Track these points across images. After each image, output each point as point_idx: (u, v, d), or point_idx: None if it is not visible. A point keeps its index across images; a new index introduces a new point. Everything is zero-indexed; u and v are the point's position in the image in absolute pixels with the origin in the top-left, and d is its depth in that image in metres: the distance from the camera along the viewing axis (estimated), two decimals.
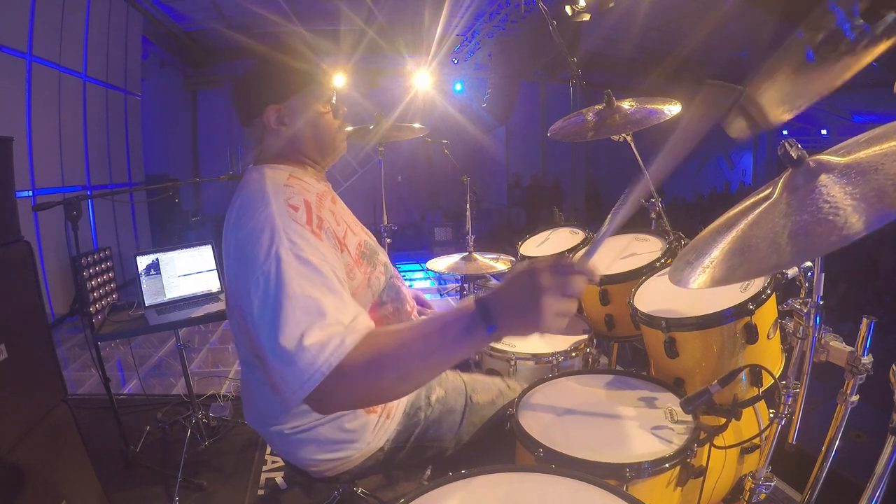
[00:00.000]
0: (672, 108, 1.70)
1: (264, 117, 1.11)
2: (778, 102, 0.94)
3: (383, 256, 1.20)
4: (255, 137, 1.16)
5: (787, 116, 0.94)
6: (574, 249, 2.00)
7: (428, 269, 2.28)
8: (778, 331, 1.32)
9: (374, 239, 1.25)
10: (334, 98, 1.17)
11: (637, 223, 2.04)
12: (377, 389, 0.85)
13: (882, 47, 0.76)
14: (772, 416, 1.24)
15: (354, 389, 0.83)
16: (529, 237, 2.38)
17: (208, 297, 2.34)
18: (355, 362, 0.82)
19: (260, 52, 1.19)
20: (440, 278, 5.43)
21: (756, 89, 0.93)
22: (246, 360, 1.14)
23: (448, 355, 0.84)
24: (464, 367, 1.58)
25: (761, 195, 0.89)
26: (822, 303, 1.07)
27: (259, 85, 1.13)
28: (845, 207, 0.67)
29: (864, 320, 1.02)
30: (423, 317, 1.04)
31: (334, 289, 0.90)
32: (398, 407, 1.18)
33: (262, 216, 0.95)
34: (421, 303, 1.47)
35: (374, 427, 1.14)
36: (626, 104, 1.80)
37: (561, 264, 0.80)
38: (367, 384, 0.83)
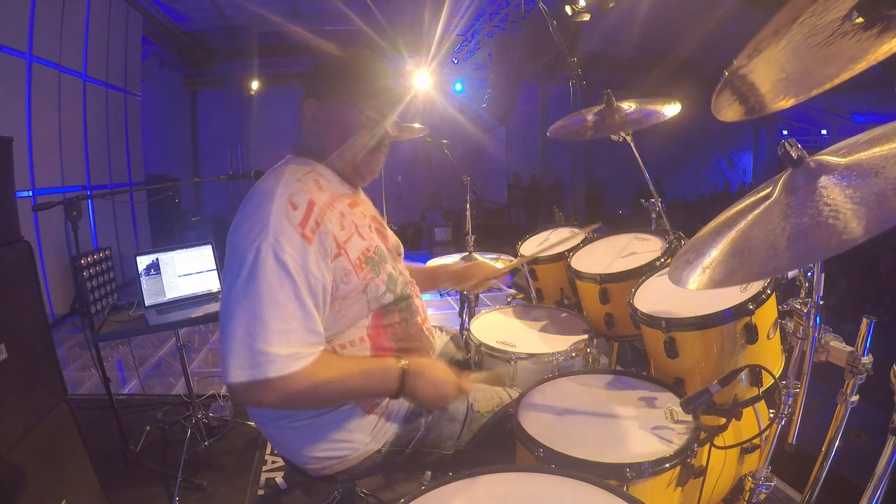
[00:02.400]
0: (672, 108, 1.70)
1: (303, 109, 1.15)
2: (776, 85, 0.92)
3: (392, 266, 1.18)
4: (298, 124, 1.19)
5: (786, 103, 0.92)
6: (574, 249, 2.00)
7: None
8: (778, 331, 1.32)
9: (397, 249, 1.27)
10: (376, 115, 1.13)
11: (637, 223, 2.04)
12: (296, 404, 1.03)
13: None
14: (772, 416, 1.24)
15: (276, 399, 0.95)
16: (529, 237, 2.38)
17: (208, 297, 2.34)
18: (293, 382, 0.93)
19: (327, 48, 1.25)
20: None
21: (747, 65, 0.90)
22: None
23: (358, 399, 1.11)
24: (464, 367, 1.58)
25: (761, 194, 0.89)
26: (822, 303, 1.07)
27: (314, 75, 1.15)
28: (845, 211, 0.67)
29: (864, 320, 1.02)
30: (354, 360, 1.09)
31: (300, 297, 0.96)
32: (399, 410, 1.18)
33: (261, 210, 0.99)
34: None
35: (373, 428, 1.14)
36: (626, 104, 1.80)
37: (464, 388, 1.11)
38: (291, 400, 0.97)
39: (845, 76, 0.84)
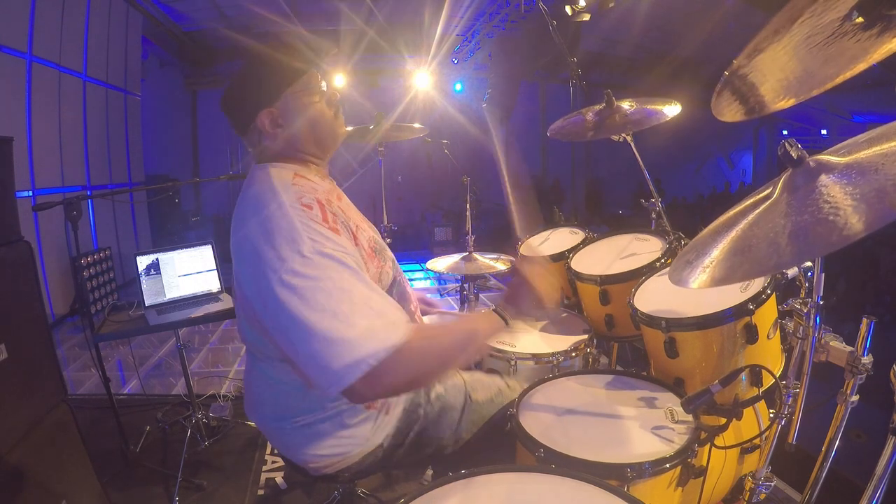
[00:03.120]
0: (672, 109, 1.70)
1: (258, 123, 1.10)
2: (776, 85, 0.92)
3: (390, 253, 1.21)
4: (253, 144, 1.15)
5: (787, 103, 0.92)
6: (574, 249, 2.00)
7: (428, 269, 2.28)
8: (778, 331, 1.32)
9: (380, 236, 1.26)
10: (324, 86, 1.14)
11: (637, 223, 2.04)
12: (421, 371, 0.93)
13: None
14: (772, 416, 1.24)
15: (403, 373, 0.88)
16: (529, 237, 2.38)
17: (208, 297, 2.34)
18: (406, 351, 0.87)
19: (246, 56, 1.19)
20: (440, 278, 5.43)
21: (747, 65, 0.90)
22: (254, 352, 1.14)
23: (473, 350, 1.05)
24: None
25: (761, 195, 0.89)
26: (822, 303, 1.07)
27: (246, 92, 1.12)
28: (845, 208, 0.67)
29: (864, 320, 1.02)
30: (451, 319, 1.10)
31: (365, 280, 0.93)
32: (397, 403, 1.18)
33: (276, 214, 0.96)
34: (426, 303, 1.48)
35: (374, 423, 1.14)
36: (626, 104, 1.80)
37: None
38: (415, 368, 0.90)
39: (845, 76, 0.84)
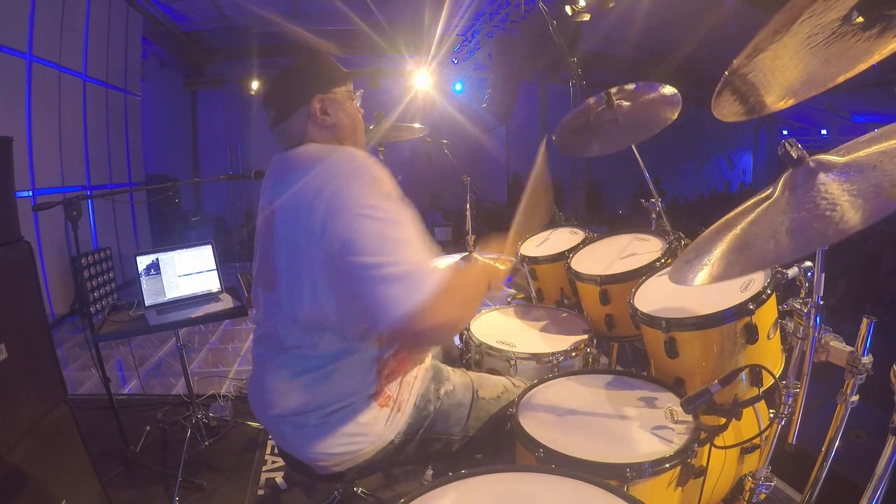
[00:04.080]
0: (669, 92, 1.70)
1: (311, 107, 1.16)
2: (776, 85, 0.92)
3: None
4: (291, 132, 1.19)
5: (786, 104, 0.92)
6: (574, 249, 2.00)
7: None
8: (778, 331, 1.32)
9: None
10: (359, 101, 1.27)
11: (637, 223, 2.04)
12: (457, 310, 1.00)
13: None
14: (772, 416, 1.24)
15: (448, 309, 0.95)
16: (529, 237, 2.38)
17: (208, 297, 2.34)
18: (448, 283, 0.95)
19: (298, 49, 1.31)
20: None
21: (747, 65, 0.90)
22: (279, 344, 1.13)
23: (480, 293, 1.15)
24: (464, 366, 1.59)
25: (762, 196, 0.89)
26: (822, 303, 1.07)
27: (307, 76, 1.20)
28: (843, 203, 0.67)
29: (864, 320, 1.02)
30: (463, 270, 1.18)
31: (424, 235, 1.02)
32: (409, 400, 1.20)
33: (356, 165, 1.03)
34: None
35: (387, 420, 1.15)
36: (626, 103, 1.81)
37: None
38: (456, 305, 0.98)
39: (845, 76, 0.84)
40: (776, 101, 0.94)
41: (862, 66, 0.81)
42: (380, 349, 1.13)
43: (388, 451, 1.17)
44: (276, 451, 2.29)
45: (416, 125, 2.75)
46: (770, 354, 1.31)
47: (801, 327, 1.12)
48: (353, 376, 1.11)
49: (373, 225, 0.97)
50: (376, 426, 1.13)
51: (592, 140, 1.85)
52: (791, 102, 0.92)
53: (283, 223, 1.08)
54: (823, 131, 12.19)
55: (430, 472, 1.81)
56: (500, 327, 1.77)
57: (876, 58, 0.78)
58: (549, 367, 1.54)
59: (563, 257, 1.98)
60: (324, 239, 1.00)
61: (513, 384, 1.35)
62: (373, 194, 0.99)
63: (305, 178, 1.05)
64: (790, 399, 1.19)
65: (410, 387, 1.21)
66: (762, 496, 1.29)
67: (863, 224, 0.61)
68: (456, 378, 1.31)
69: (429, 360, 1.31)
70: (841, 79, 0.84)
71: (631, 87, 1.84)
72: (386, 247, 0.95)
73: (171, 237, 7.37)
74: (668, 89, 1.72)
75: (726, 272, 0.78)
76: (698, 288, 1.19)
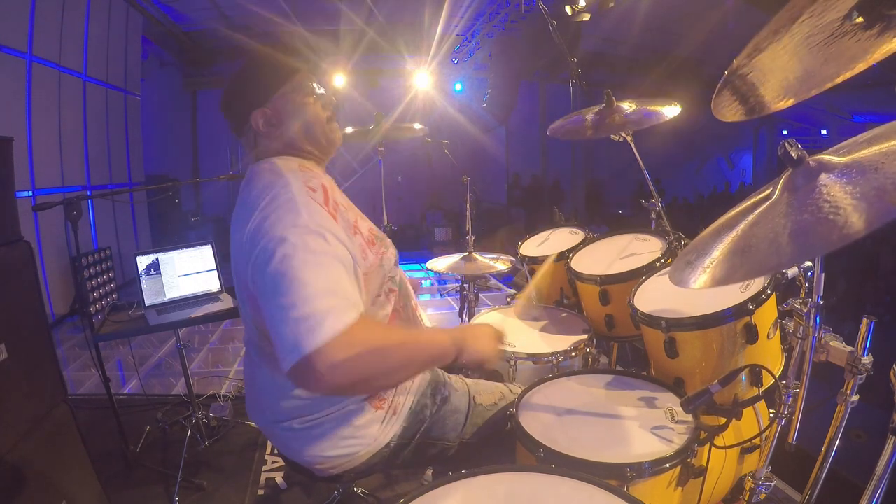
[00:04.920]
0: (672, 110, 1.70)
1: (252, 122, 1.13)
2: (776, 85, 0.91)
3: (390, 242, 1.23)
4: (250, 145, 1.18)
5: (786, 103, 0.92)
6: (574, 250, 2.00)
7: (428, 269, 2.28)
8: (778, 331, 1.32)
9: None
10: (318, 88, 1.17)
11: (637, 223, 2.04)
12: (368, 372, 0.90)
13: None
14: (772, 416, 1.24)
15: (348, 366, 0.85)
16: (529, 237, 2.38)
17: (208, 297, 2.34)
18: (357, 337, 0.86)
19: (241, 58, 1.24)
20: (440, 278, 5.43)
21: (747, 64, 0.90)
22: (260, 352, 1.14)
23: (420, 368, 1.10)
24: (464, 370, 1.58)
25: (761, 195, 0.89)
26: (822, 303, 1.07)
27: (239, 93, 1.16)
28: (845, 207, 0.67)
29: (864, 320, 1.02)
30: (413, 330, 1.13)
31: (349, 269, 0.96)
32: (405, 404, 1.19)
33: (281, 193, 0.99)
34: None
35: (382, 423, 1.14)
36: (626, 104, 1.80)
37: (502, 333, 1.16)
38: (363, 363, 0.87)
39: (845, 76, 0.84)
40: (776, 100, 0.94)
41: (862, 66, 0.81)
42: None
43: (383, 455, 1.16)
44: (276, 451, 2.29)
45: (416, 125, 2.75)
46: (770, 354, 1.31)
47: (801, 327, 1.12)
48: None
49: (281, 261, 0.90)
50: (371, 429, 1.13)
51: (588, 128, 1.85)
52: (791, 102, 0.92)
53: (232, 238, 1.09)
54: (823, 131, 12.18)
55: (429, 472, 1.81)
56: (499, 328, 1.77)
57: (876, 57, 0.78)
58: (549, 367, 1.55)
59: (563, 257, 1.98)
60: (248, 264, 0.98)
61: (510, 390, 1.34)
62: (292, 226, 0.93)
63: (244, 217, 1.03)
64: (790, 399, 1.19)
65: (406, 391, 1.20)
66: (762, 496, 1.30)
67: (867, 229, 0.61)
68: (453, 384, 1.29)
69: None
70: (840, 79, 0.84)
71: (633, 106, 1.82)
72: (286, 286, 0.88)
73: (171, 237, 7.37)
74: (671, 110, 1.70)
75: (728, 276, 0.78)
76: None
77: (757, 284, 1.28)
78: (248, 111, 1.12)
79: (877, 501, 0.93)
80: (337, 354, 0.84)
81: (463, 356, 1.04)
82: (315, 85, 1.17)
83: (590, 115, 1.86)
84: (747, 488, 1.30)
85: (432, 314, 4.34)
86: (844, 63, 0.82)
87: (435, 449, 1.22)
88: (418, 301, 1.34)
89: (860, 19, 0.76)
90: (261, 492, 2.10)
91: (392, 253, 1.18)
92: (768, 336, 1.28)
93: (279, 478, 2.15)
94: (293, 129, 1.14)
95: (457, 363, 1.06)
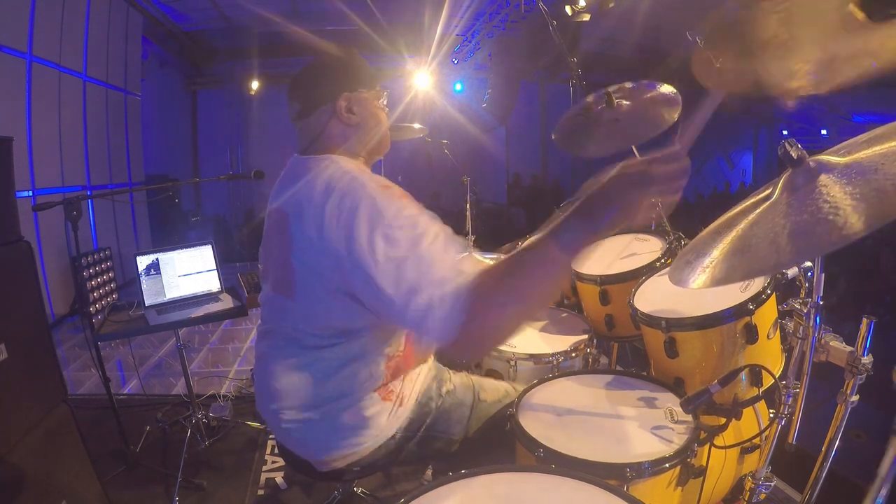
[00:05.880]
0: (667, 89, 1.70)
1: (337, 104, 1.14)
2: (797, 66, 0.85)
3: None
4: (313, 128, 1.16)
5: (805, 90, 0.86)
6: None
7: None
8: (778, 331, 1.32)
9: None
10: (385, 101, 1.23)
11: (637, 223, 2.03)
12: (514, 295, 0.86)
13: None
14: (772, 416, 1.24)
15: (496, 309, 0.85)
16: (529, 237, 2.38)
17: (208, 297, 2.34)
18: (490, 279, 0.87)
19: (326, 46, 1.27)
20: None
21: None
22: (284, 340, 1.13)
23: (553, 271, 0.87)
24: (463, 367, 1.58)
25: (761, 195, 0.89)
26: (822, 303, 1.07)
27: (336, 72, 1.18)
28: (845, 207, 0.67)
29: (864, 320, 1.02)
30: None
31: (454, 239, 0.97)
32: (411, 396, 1.20)
33: (360, 195, 0.98)
34: None
35: (389, 414, 1.15)
36: (626, 103, 1.80)
37: (667, 155, 0.86)
38: (507, 288, 0.86)
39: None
40: (795, 85, 0.90)
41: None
42: (394, 345, 1.14)
43: (388, 447, 1.17)
44: (276, 451, 2.29)
45: (416, 125, 2.75)
46: (770, 354, 1.31)
47: (801, 327, 1.12)
48: (364, 372, 1.11)
49: (386, 250, 0.91)
50: (379, 420, 1.14)
51: (590, 141, 1.85)
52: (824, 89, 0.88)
53: (298, 232, 1.04)
54: (823, 131, 12.17)
55: (429, 471, 1.81)
56: None
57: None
58: (549, 368, 1.55)
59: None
60: (341, 260, 0.96)
61: (514, 388, 1.35)
62: (384, 215, 0.95)
63: (318, 196, 1.01)
64: (790, 399, 1.19)
65: (413, 382, 1.21)
66: (762, 496, 1.29)
67: (866, 230, 0.61)
68: (457, 379, 1.31)
69: (431, 359, 1.31)
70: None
71: (629, 85, 1.84)
72: (401, 275, 0.89)
73: (171, 237, 7.36)
74: (667, 88, 1.72)
75: (728, 276, 0.78)
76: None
77: (757, 284, 1.28)
78: (338, 91, 1.14)
79: (881, 502, 0.92)
80: (481, 310, 0.84)
81: (603, 221, 0.82)
82: (384, 98, 1.23)
83: (592, 107, 1.86)
84: (747, 488, 1.30)
85: None
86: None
87: (439, 443, 1.23)
88: None
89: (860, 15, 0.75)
90: (261, 492, 2.10)
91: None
92: (768, 336, 1.28)
93: (279, 478, 2.15)
94: (366, 122, 1.18)
95: (605, 230, 0.84)
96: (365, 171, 1.07)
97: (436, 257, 0.91)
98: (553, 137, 1.91)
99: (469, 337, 0.85)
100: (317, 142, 1.16)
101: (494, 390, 1.32)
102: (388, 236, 0.93)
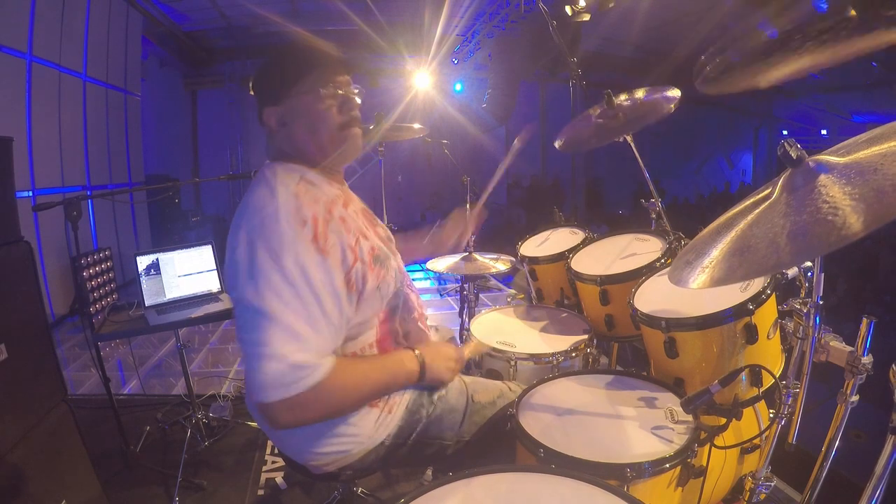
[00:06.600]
0: (672, 94, 1.70)
1: (265, 120, 1.12)
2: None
3: (395, 262, 1.18)
4: (269, 133, 1.16)
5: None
6: (574, 250, 2.00)
7: (428, 269, 2.28)
8: (778, 331, 1.32)
9: (390, 242, 1.24)
10: (339, 89, 1.10)
11: (637, 223, 2.04)
12: (331, 412, 1.04)
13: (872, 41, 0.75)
14: (772, 416, 1.24)
15: (315, 410, 0.98)
16: (529, 237, 2.38)
17: (208, 297, 2.34)
18: (325, 388, 0.95)
19: (242, 57, 1.24)
20: (440, 278, 5.42)
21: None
22: None
23: (386, 393, 1.15)
24: (464, 368, 1.58)
25: (761, 195, 0.89)
26: (822, 303, 1.07)
27: (258, 89, 1.14)
28: (844, 208, 0.67)
29: (864, 320, 1.02)
30: (367, 360, 1.13)
31: (326, 312, 0.98)
32: (400, 402, 1.19)
33: (270, 220, 0.99)
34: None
35: (376, 421, 1.14)
36: (623, 97, 1.81)
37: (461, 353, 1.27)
38: (328, 407, 1.00)
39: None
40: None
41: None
42: (375, 348, 1.14)
43: (378, 453, 1.16)
44: (275, 450, 2.29)
45: (416, 125, 2.75)
46: (770, 354, 1.31)
47: (801, 327, 1.12)
48: None
49: (256, 294, 0.94)
50: (365, 427, 1.13)
51: (591, 137, 1.85)
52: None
53: (229, 237, 1.07)
54: (823, 131, 12.18)
55: (429, 472, 1.81)
56: (499, 328, 1.77)
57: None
58: (549, 368, 1.55)
59: (563, 257, 1.98)
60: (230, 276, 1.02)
61: (509, 388, 1.34)
62: (270, 265, 0.95)
63: (237, 221, 1.03)
64: (790, 399, 1.19)
65: (403, 390, 1.19)
66: (762, 496, 1.30)
67: (865, 230, 0.61)
68: (450, 383, 1.28)
69: None
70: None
71: (641, 94, 1.83)
72: (257, 323, 0.93)
73: (171, 237, 7.36)
74: (674, 91, 1.71)
75: (727, 276, 0.78)
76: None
77: (757, 284, 1.28)
78: (262, 107, 1.11)
79: (877, 501, 0.93)
80: (303, 406, 0.94)
81: (425, 377, 1.15)
82: (334, 85, 1.09)
83: (595, 113, 1.86)
84: (747, 488, 1.30)
85: (432, 314, 4.34)
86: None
87: (432, 448, 1.22)
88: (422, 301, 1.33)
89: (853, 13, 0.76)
90: (261, 492, 2.10)
91: (392, 276, 1.14)
92: (768, 336, 1.28)
93: (279, 478, 2.15)
94: (297, 131, 1.10)
95: (420, 383, 1.16)
96: (290, 199, 1.01)
97: (299, 332, 0.94)
98: (556, 146, 1.92)
99: (283, 416, 0.94)
100: (273, 150, 1.15)
101: (489, 391, 1.30)
102: (269, 282, 0.95)
